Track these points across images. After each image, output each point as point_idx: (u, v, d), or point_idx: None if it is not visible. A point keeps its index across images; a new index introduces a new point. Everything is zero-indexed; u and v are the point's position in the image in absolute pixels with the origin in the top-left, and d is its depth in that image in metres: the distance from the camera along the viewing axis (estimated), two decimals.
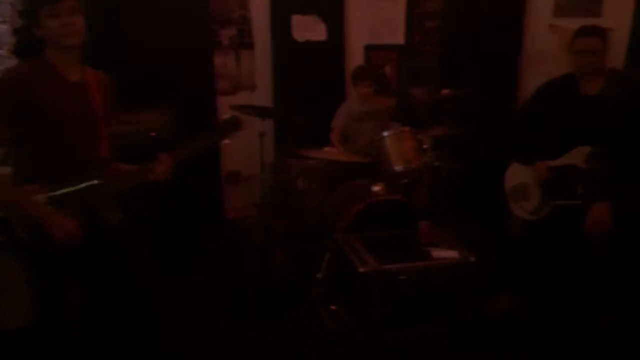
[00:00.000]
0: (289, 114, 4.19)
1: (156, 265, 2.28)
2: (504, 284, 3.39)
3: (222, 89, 4.71)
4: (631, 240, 2.17)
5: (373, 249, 3.07)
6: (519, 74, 4.21)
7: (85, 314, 2.26)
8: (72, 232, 1.97)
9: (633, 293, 2.24)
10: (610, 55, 3.31)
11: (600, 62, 2.92)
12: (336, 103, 4.43)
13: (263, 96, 4.96)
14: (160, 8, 3.99)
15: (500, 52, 4.18)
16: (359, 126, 4.18)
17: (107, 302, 2.24)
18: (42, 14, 1.97)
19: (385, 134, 3.67)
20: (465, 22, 4.31)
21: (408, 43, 4.82)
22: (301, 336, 3.05)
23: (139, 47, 3.80)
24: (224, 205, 4.80)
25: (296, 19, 4.81)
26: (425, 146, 3.81)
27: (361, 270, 2.88)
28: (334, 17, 4.90)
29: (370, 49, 5.02)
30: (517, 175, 3.23)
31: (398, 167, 3.62)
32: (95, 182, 2.08)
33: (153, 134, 3.58)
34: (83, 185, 2.05)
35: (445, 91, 3.81)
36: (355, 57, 5.00)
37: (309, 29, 4.88)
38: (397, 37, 4.87)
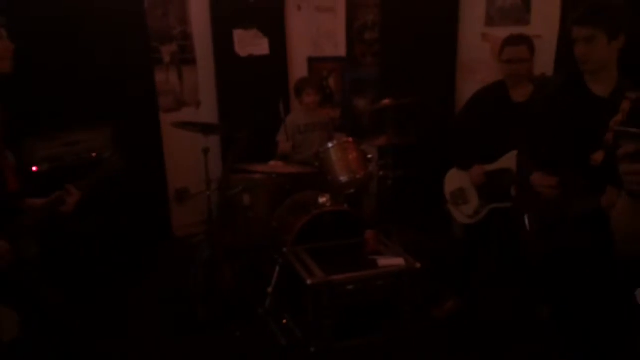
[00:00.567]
0: (233, 129, 4.19)
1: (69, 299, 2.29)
2: (449, 287, 3.48)
3: (165, 106, 4.67)
4: (555, 238, 2.27)
5: (320, 260, 3.10)
6: (456, 82, 4.34)
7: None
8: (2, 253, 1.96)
9: (569, 288, 2.34)
10: (538, 62, 3.49)
11: (528, 69, 3.06)
12: (283, 115, 4.46)
13: (208, 112, 4.94)
14: (98, 26, 3.93)
15: (436, 61, 4.31)
16: (305, 138, 4.22)
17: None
18: None
19: (330, 145, 3.72)
20: (402, 33, 4.42)
21: (349, 55, 4.90)
22: (252, 351, 3.05)
23: (77, 65, 3.73)
24: (173, 222, 4.75)
25: (238, 34, 4.82)
26: (369, 156, 3.88)
27: (309, 282, 2.91)
28: (276, 31, 4.93)
29: (312, 61, 5.09)
30: (455, 180, 3.34)
31: (343, 178, 3.67)
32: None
33: (93, 154, 3.51)
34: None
35: (386, 101, 3.88)
36: (298, 70, 5.05)
37: (251, 43, 4.90)
38: (339, 49, 4.95)
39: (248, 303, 3.38)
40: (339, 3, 4.81)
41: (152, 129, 4.44)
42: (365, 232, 3.30)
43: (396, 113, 3.94)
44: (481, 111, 3.16)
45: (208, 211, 3.49)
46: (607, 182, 1.94)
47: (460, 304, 3.42)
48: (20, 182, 2.21)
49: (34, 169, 3.08)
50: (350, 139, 3.78)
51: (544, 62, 3.72)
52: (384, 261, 3.13)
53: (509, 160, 2.98)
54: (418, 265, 3.08)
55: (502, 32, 3.60)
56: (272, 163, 3.75)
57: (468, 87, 3.82)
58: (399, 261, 3.13)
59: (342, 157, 3.71)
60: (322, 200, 3.53)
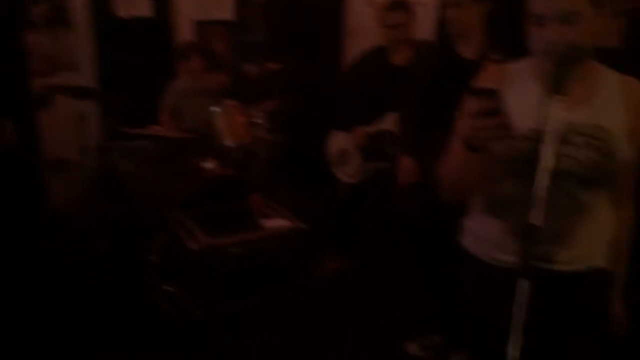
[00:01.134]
0: (110, 93, 3.97)
1: None
2: (334, 247, 3.56)
3: (38, 70, 4.33)
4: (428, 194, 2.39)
5: (205, 225, 3.06)
6: (343, 46, 4.38)
7: None
8: None
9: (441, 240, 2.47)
10: (420, 27, 3.59)
11: (407, 34, 3.13)
12: (166, 81, 4.29)
13: (86, 76, 4.65)
14: None
15: (324, 26, 4.32)
16: (191, 104, 4.08)
17: None
18: None
19: (215, 110, 3.63)
20: None
21: (237, 18, 4.78)
22: (136, 320, 2.96)
23: None
24: (50, 194, 4.46)
25: None
26: (258, 121, 3.84)
27: (192, 247, 2.86)
28: None
29: (200, 25, 4.91)
30: (338, 142, 3.39)
31: (230, 143, 3.61)
32: None
33: None
34: None
35: (273, 65, 3.84)
36: (184, 34, 4.86)
37: (132, 4, 4.64)
38: (227, 12, 4.82)
39: (129, 272, 3.27)
40: None
41: (23, 93, 4.11)
42: (251, 196, 3.28)
43: (284, 77, 3.92)
44: (363, 74, 3.21)
45: (86, 180, 3.32)
46: None
47: (345, 262, 3.52)
48: None
49: None
50: (236, 104, 3.71)
51: (425, 27, 3.84)
52: (269, 223, 3.15)
53: (389, 121, 3.07)
54: (303, 226, 3.13)
55: None
56: (153, 128, 3.60)
57: (355, 51, 3.85)
58: (284, 223, 3.15)
59: (228, 122, 3.64)
60: (208, 165, 3.46)
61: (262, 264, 3.07)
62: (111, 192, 3.54)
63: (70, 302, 3.09)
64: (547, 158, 1.15)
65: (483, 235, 1.54)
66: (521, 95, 1.37)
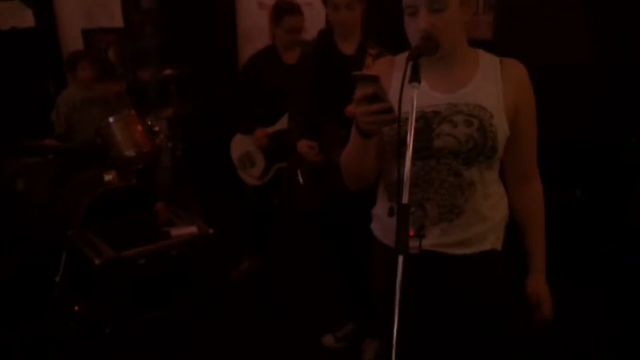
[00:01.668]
0: None
1: None
2: (245, 248, 3.61)
3: None
4: (323, 189, 2.50)
5: (110, 238, 3.00)
6: (238, 49, 4.42)
7: None
8: None
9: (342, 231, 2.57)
10: (310, 28, 3.70)
11: (301, 36, 3.23)
12: (56, 93, 4.13)
13: None
14: None
15: (217, 29, 4.33)
16: (84, 115, 3.95)
17: None
18: None
19: (112, 120, 3.55)
20: (180, 2, 4.35)
21: (128, 25, 4.67)
22: (45, 343, 2.86)
23: None
24: None
25: None
26: (156, 128, 3.80)
27: (97, 262, 2.80)
28: (41, 2, 4.50)
29: (88, 34, 4.74)
30: (241, 145, 3.44)
31: (129, 153, 3.54)
32: None
33: None
34: None
35: (168, 71, 3.81)
36: (72, 43, 4.67)
37: (12, 15, 4.41)
38: (116, 20, 4.69)
39: (34, 295, 3.14)
40: None
41: None
42: (156, 205, 3.26)
43: (180, 83, 3.89)
44: (257, 76, 3.27)
45: None
46: None
47: (257, 264, 3.58)
48: None
49: None
50: (133, 112, 3.64)
51: (316, 28, 3.95)
52: (176, 231, 3.14)
53: (286, 121, 3.15)
54: (211, 231, 3.14)
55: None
56: (46, 141, 3.46)
57: (250, 54, 3.89)
58: (191, 229, 3.15)
59: (126, 132, 3.57)
60: (108, 177, 3.39)
61: (173, 272, 3.05)
62: (7, 213, 3.38)
63: None
64: (410, 140, 1.22)
65: (386, 221, 1.59)
66: (400, 82, 1.42)
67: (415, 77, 1.26)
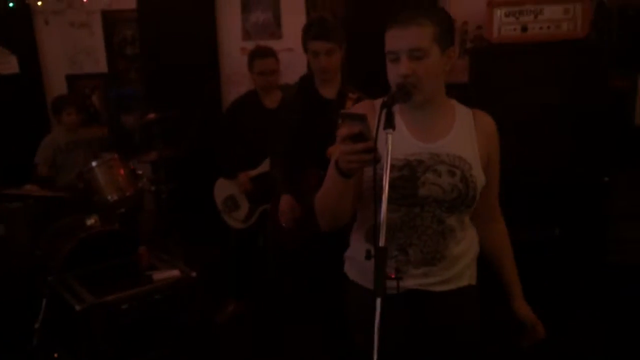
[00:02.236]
0: None
1: None
2: (228, 291, 3.59)
3: None
4: (304, 230, 2.53)
5: (91, 284, 2.97)
6: (221, 93, 4.49)
7: None
8: None
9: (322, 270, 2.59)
10: (291, 72, 3.80)
11: (277, 79, 3.32)
12: (38, 137, 4.15)
13: None
14: None
15: (200, 74, 4.40)
16: (68, 158, 3.97)
17: None
18: None
19: (94, 164, 3.56)
20: (163, 48, 4.43)
21: (112, 71, 4.74)
22: None
23: None
24: None
25: None
26: (139, 172, 3.81)
27: (77, 308, 2.76)
28: (25, 47, 4.57)
29: (72, 79, 4.81)
30: (224, 188, 3.47)
31: (112, 197, 3.54)
32: None
33: None
34: None
35: (151, 115, 3.85)
36: (56, 88, 4.73)
37: None
38: (100, 65, 4.76)
39: (13, 344, 3.08)
40: (94, 18, 4.62)
41: None
42: (138, 249, 3.24)
43: (164, 127, 3.93)
44: (238, 120, 3.34)
45: None
46: None
47: (241, 307, 3.56)
48: None
49: None
50: (116, 156, 3.66)
51: (297, 72, 4.04)
52: (159, 275, 3.11)
53: (268, 164, 3.19)
54: (193, 274, 3.12)
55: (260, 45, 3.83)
56: (27, 187, 3.46)
57: (233, 97, 3.97)
58: (174, 273, 3.13)
59: (108, 176, 3.57)
60: (89, 222, 3.37)
61: (156, 316, 3.02)
62: None
63: None
64: (386, 185, 1.26)
65: (362, 262, 1.57)
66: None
67: (389, 124, 1.30)
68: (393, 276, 1.29)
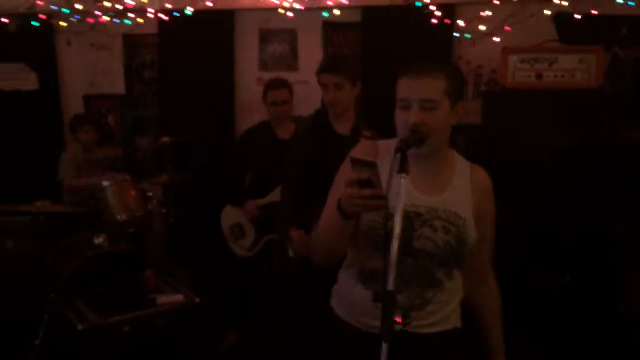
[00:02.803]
0: None
1: None
2: (231, 320, 3.58)
3: None
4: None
5: (95, 303, 2.97)
6: (235, 121, 4.55)
7: None
8: None
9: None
10: (306, 104, 3.85)
11: (290, 109, 3.37)
12: (54, 154, 4.21)
13: None
14: None
15: (215, 101, 4.47)
16: (85, 176, 4.02)
17: None
18: None
19: (105, 183, 3.60)
20: (180, 74, 4.51)
21: (129, 93, 4.82)
22: None
23: None
24: None
25: (0, 68, 4.46)
26: (149, 194, 3.85)
27: (79, 327, 2.76)
28: (46, 66, 4.67)
29: (89, 99, 4.88)
30: (232, 216, 3.49)
31: (121, 217, 3.57)
32: None
33: None
34: None
35: (165, 139, 3.90)
36: (73, 107, 4.81)
37: (16, 77, 4.57)
38: (117, 86, 4.84)
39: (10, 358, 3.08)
40: (115, 41, 4.72)
41: None
42: (144, 271, 3.25)
43: (176, 151, 3.98)
44: (250, 149, 3.38)
45: None
46: None
47: (243, 335, 3.54)
48: None
49: None
50: (128, 177, 3.70)
51: (312, 104, 4.10)
52: (163, 299, 3.12)
53: (279, 193, 3.22)
54: (197, 299, 3.12)
55: (274, 76, 3.89)
56: (38, 204, 3.50)
57: (247, 126, 4.02)
58: (178, 297, 3.14)
59: (119, 196, 3.61)
60: (98, 240, 3.39)
61: (158, 340, 3.01)
62: None
63: None
64: (398, 230, 1.27)
65: (350, 300, 1.66)
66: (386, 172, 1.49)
67: (403, 168, 1.32)
68: (400, 321, 1.29)
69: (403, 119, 1.52)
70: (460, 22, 3.80)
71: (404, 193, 1.31)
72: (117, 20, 4.45)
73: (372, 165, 1.28)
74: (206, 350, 3.30)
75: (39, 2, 4.25)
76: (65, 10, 4.29)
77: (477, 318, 1.75)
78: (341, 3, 4.04)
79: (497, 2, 3.57)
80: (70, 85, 4.85)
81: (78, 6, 4.25)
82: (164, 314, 3.04)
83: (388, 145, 1.62)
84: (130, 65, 4.79)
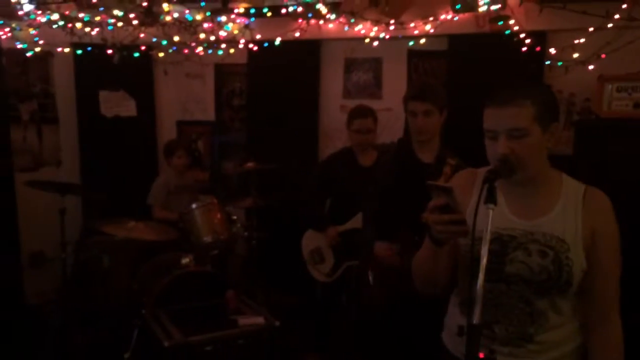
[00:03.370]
0: (91, 189, 4.09)
1: None
2: (309, 345, 3.59)
3: (22, 165, 4.47)
4: (393, 290, 2.50)
5: (180, 321, 3.07)
6: (318, 148, 4.63)
7: None
8: None
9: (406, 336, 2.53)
10: (389, 131, 3.86)
11: (373, 138, 3.38)
12: (148, 176, 4.45)
13: (70, 172, 4.80)
14: None
15: (300, 128, 4.57)
16: (174, 199, 4.22)
17: None
18: None
19: (194, 206, 3.76)
20: (267, 101, 4.66)
21: (218, 119, 5.04)
22: None
23: None
24: (26, 289, 4.44)
25: (104, 95, 4.80)
26: (234, 217, 3.97)
27: (166, 344, 2.87)
28: (144, 94, 4.98)
29: (182, 125, 5.16)
30: (312, 240, 3.52)
31: (207, 239, 3.70)
32: None
33: None
34: None
35: (250, 164, 4.03)
36: (167, 132, 5.10)
37: (117, 104, 4.89)
38: (208, 113, 5.08)
39: None
40: (207, 71, 4.98)
41: (5, 188, 4.22)
42: (226, 292, 3.34)
43: (261, 176, 4.10)
44: (332, 175, 3.41)
45: (63, 275, 3.35)
46: None
47: None
48: None
49: None
50: (215, 200, 3.84)
51: (395, 131, 4.10)
52: (244, 320, 3.18)
53: (360, 220, 3.22)
54: (277, 323, 3.16)
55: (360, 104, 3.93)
56: (132, 224, 3.69)
57: (329, 152, 4.08)
58: (258, 320, 3.19)
59: (206, 218, 3.76)
60: (184, 261, 3.53)
61: None
62: (88, 287, 3.57)
63: None
64: (484, 261, 1.23)
65: (454, 331, 1.57)
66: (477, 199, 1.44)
67: (491, 199, 1.29)
68: (482, 356, 1.25)
69: (492, 150, 1.48)
70: (552, 50, 3.68)
71: (491, 224, 1.28)
72: (210, 51, 4.69)
73: (448, 191, 1.28)
74: None
75: (141, 35, 4.54)
76: (164, 42, 4.57)
77: None
78: (427, 32, 4.03)
79: (592, 29, 3.42)
80: (165, 112, 5.15)
81: (176, 38, 4.50)
82: (244, 335, 3.10)
83: (480, 173, 1.60)
84: (221, 93, 5.02)
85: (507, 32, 3.70)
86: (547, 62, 3.72)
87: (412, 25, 4.06)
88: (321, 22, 4.34)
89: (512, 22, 3.66)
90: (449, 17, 3.88)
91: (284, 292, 4.31)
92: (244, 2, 4.23)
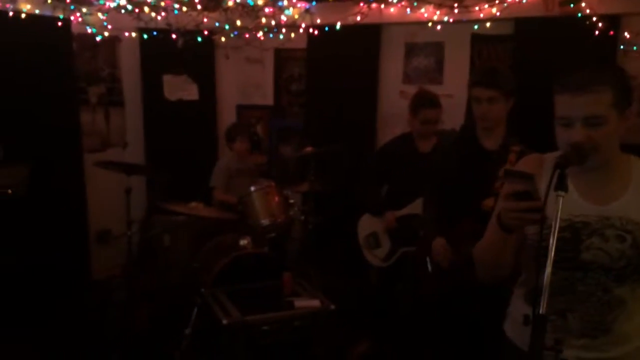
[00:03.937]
0: (156, 170, 4.22)
1: None
2: (363, 329, 3.59)
3: (90, 146, 4.66)
4: (451, 279, 2.46)
5: (238, 301, 3.14)
6: (377, 133, 4.59)
7: None
8: None
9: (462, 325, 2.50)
10: (450, 118, 3.78)
11: (437, 127, 3.32)
12: (209, 159, 4.55)
13: (134, 153, 4.97)
14: (25, 64, 3.95)
15: (358, 113, 4.55)
16: (235, 183, 4.30)
17: None
18: None
19: (252, 189, 3.81)
20: (326, 86, 4.66)
21: (277, 104, 5.09)
22: None
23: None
24: (93, 265, 4.66)
25: (167, 79, 4.93)
26: (291, 201, 4.01)
27: (224, 322, 2.94)
28: (206, 78, 5.08)
29: (241, 109, 5.23)
30: (369, 225, 3.51)
31: (264, 221, 3.75)
32: None
33: (9, 191, 3.46)
34: None
35: (308, 149, 4.04)
36: (227, 116, 5.18)
37: (180, 88, 5.01)
38: (267, 98, 5.13)
39: (164, 345, 3.36)
40: (267, 56, 5.02)
41: (75, 168, 4.41)
42: (283, 274, 3.39)
43: (318, 161, 4.11)
44: (391, 161, 3.38)
45: (128, 252, 3.48)
46: None
47: (374, 346, 3.54)
48: None
49: None
50: (273, 184, 3.88)
51: (456, 118, 4.02)
52: (300, 303, 3.21)
53: (417, 206, 3.18)
54: (333, 306, 3.18)
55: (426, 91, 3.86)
56: (193, 204, 3.79)
57: (387, 138, 4.05)
58: (314, 303, 3.22)
59: (264, 202, 3.80)
60: (243, 242, 3.60)
61: (292, 343, 3.11)
62: (153, 265, 3.70)
63: None
64: (552, 249, 1.20)
65: (519, 322, 1.51)
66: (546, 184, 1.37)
67: (561, 186, 1.24)
68: (549, 347, 1.21)
69: (565, 137, 1.41)
70: (626, 34, 3.49)
71: (560, 212, 1.23)
72: (271, 35, 4.72)
73: (528, 177, 1.24)
74: (337, 358, 3.34)
75: (204, 20, 4.62)
76: (227, 27, 4.63)
77: None
78: (493, 15, 3.91)
79: None
80: (226, 96, 5.23)
81: (238, 22, 4.56)
82: (300, 317, 3.13)
83: (550, 159, 1.53)
84: (280, 77, 5.05)
85: (579, 15, 3.54)
86: (621, 47, 3.54)
87: (476, 8, 3.95)
88: (382, 5, 4.28)
89: (583, 4, 3.50)
90: None
91: (339, 276, 4.33)
92: None
